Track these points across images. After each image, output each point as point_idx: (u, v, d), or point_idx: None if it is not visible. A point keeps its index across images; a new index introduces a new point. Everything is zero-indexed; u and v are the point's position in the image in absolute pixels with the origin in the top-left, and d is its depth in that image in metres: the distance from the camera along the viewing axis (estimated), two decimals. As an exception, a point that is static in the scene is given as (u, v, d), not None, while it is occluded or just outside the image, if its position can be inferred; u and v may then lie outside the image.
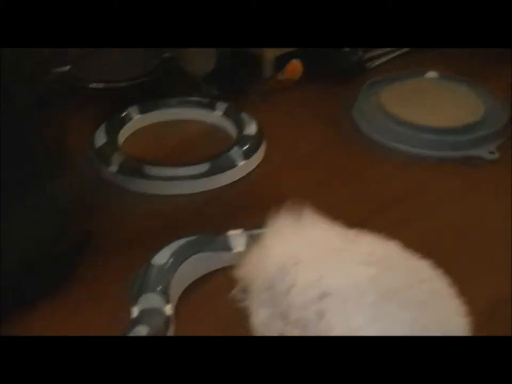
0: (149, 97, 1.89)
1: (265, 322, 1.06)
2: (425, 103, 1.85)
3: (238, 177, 1.70)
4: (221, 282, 1.41)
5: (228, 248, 1.44)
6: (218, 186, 1.67)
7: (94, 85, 1.98)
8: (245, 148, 1.73)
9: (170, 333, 1.25)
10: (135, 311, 1.29)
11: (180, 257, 1.38)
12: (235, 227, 1.47)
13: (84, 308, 1.36)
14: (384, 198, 1.59)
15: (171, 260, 1.37)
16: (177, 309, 1.31)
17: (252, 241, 1.45)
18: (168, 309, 1.29)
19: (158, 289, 1.32)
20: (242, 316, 1.28)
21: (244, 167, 1.72)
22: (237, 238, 1.46)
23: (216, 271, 1.44)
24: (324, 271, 0.99)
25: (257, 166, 1.75)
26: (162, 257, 1.37)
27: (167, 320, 1.26)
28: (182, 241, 1.41)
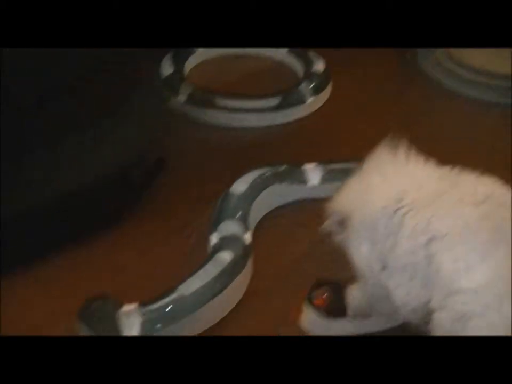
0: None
1: (366, 258, 1.03)
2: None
3: (306, 113, 1.70)
4: (296, 214, 1.43)
5: (303, 181, 1.45)
6: (288, 121, 1.67)
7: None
8: (313, 85, 1.72)
9: (250, 261, 1.25)
10: (214, 238, 1.30)
11: (258, 187, 1.39)
12: (308, 161, 1.47)
13: (161, 236, 1.37)
14: (454, 143, 1.58)
15: (250, 189, 1.37)
16: (254, 237, 1.31)
17: (327, 175, 1.45)
18: (248, 237, 1.30)
19: (237, 217, 1.33)
20: (317, 249, 1.31)
21: (312, 103, 1.71)
22: (313, 171, 1.46)
23: (290, 203, 1.45)
24: (431, 214, 0.97)
25: (325, 103, 1.74)
26: (241, 186, 1.38)
27: (247, 248, 1.27)
28: (259, 172, 1.41)
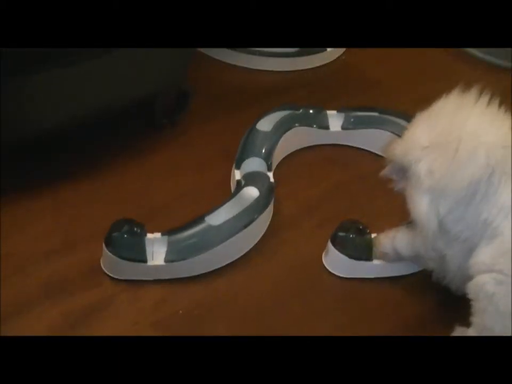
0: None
1: (426, 211, 0.99)
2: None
3: (327, 61, 1.70)
4: (317, 157, 1.43)
5: (325, 126, 1.45)
6: (308, 67, 1.67)
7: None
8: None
9: (272, 199, 1.26)
10: (238, 174, 1.30)
11: (283, 127, 1.39)
12: (328, 107, 1.47)
13: (185, 169, 1.37)
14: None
15: (274, 129, 1.37)
16: (275, 177, 1.31)
17: (348, 122, 1.46)
18: (271, 175, 1.30)
19: (262, 154, 1.33)
20: (335, 193, 1.31)
21: (333, 52, 1.71)
22: (334, 117, 1.46)
23: (311, 147, 1.45)
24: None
25: (345, 52, 1.74)
26: (266, 125, 1.37)
27: (272, 185, 1.27)
28: (284, 113, 1.41)
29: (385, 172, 1.07)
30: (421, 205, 1.00)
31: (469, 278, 0.99)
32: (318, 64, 1.67)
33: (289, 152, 1.40)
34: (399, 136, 1.35)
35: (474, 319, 0.98)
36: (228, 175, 1.31)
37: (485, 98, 1.01)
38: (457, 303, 1.04)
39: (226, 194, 1.26)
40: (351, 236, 1.19)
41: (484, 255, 0.97)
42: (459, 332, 1.03)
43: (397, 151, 1.03)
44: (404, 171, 1.02)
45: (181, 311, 1.11)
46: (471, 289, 0.97)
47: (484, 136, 0.97)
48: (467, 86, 1.02)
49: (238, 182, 1.27)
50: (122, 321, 1.09)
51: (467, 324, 1.00)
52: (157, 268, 1.13)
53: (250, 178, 1.26)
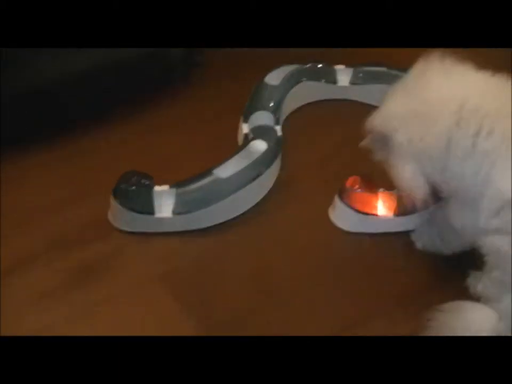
0: None
1: (412, 177, 1.01)
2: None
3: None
4: (324, 112, 1.43)
5: (333, 80, 1.44)
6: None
7: None
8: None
9: (280, 153, 1.25)
10: (246, 127, 1.29)
11: (290, 82, 1.38)
12: (337, 62, 1.46)
13: (194, 122, 1.37)
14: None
15: (283, 83, 1.37)
16: (283, 131, 1.31)
17: (356, 77, 1.45)
18: (279, 129, 1.30)
19: (270, 108, 1.32)
20: (344, 148, 1.31)
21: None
22: (343, 72, 1.45)
23: (320, 101, 1.44)
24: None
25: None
26: (274, 79, 1.37)
27: (279, 139, 1.27)
28: (292, 67, 1.40)
29: (365, 142, 1.07)
30: (405, 172, 1.02)
31: (479, 235, 0.99)
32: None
33: (297, 107, 1.40)
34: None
35: (487, 270, 1.01)
36: (236, 129, 1.30)
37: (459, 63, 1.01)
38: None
39: (234, 147, 1.26)
40: (358, 190, 1.19)
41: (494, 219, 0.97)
42: (472, 276, 1.05)
43: (377, 121, 1.03)
44: (384, 141, 1.02)
45: (189, 264, 1.11)
46: (488, 247, 0.99)
47: (451, 97, 0.98)
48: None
49: (246, 135, 1.27)
50: (130, 273, 1.10)
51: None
52: (165, 220, 1.14)
53: (258, 132, 1.26)
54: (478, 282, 1.03)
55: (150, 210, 1.13)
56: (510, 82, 1.00)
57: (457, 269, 1.07)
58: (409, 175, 1.02)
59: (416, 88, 1.01)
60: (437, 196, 1.05)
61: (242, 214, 1.19)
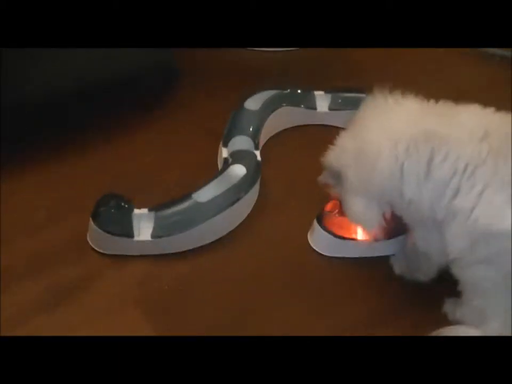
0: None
1: (363, 212, 1.04)
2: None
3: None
4: (303, 137, 1.44)
5: (312, 106, 1.45)
6: (297, 48, 1.66)
7: None
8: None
9: (259, 178, 1.26)
10: (225, 152, 1.30)
11: (271, 106, 1.39)
12: (316, 88, 1.47)
13: (173, 145, 1.37)
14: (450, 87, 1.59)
15: (262, 108, 1.38)
16: (262, 155, 1.31)
17: (335, 103, 1.46)
18: (258, 154, 1.30)
19: (250, 132, 1.33)
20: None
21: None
22: (322, 98, 1.47)
23: (299, 127, 1.45)
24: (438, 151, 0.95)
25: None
26: (254, 104, 1.38)
27: (259, 163, 1.28)
28: (272, 92, 1.41)
29: (322, 178, 1.10)
30: (355, 206, 1.04)
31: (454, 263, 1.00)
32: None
33: (276, 132, 1.41)
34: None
35: (467, 299, 1.02)
36: (215, 153, 1.31)
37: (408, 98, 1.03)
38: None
39: (213, 171, 1.26)
40: (336, 215, 1.19)
41: (459, 242, 0.97)
42: (449, 303, 1.06)
43: (330, 157, 1.06)
44: (338, 177, 1.05)
45: (166, 287, 1.11)
46: (468, 277, 1.00)
47: (388, 133, 1.00)
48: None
49: (225, 159, 1.27)
50: (107, 296, 1.10)
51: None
52: (143, 243, 1.14)
53: (237, 156, 1.27)
54: (456, 310, 1.03)
55: (129, 234, 1.13)
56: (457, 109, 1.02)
57: (434, 295, 1.07)
58: (359, 209, 1.05)
59: (360, 126, 1.05)
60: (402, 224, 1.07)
61: (221, 239, 1.19)
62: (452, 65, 1.72)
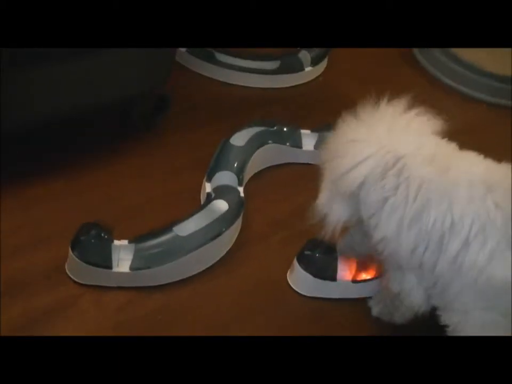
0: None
1: (326, 205, 1.03)
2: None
3: (304, 81, 1.71)
4: (288, 175, 1.44)
5: (298, 145, 1.46)
6: (286, 85, 1.68)
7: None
8: (312, 54, 1.73)
9: (242, 214, 1.26)
10: (209, 186, 1.30)
11: (256, 143, 1.39)
12: (303, 126, 1.48)
13: (156, 176, 1.37)
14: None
15: (248, 144, 1.38)
16: (246, 192, 1.31)
17: (321, 142, 1.47)
18: (242, 189, 1.31)
19: (234, 168, 1.33)
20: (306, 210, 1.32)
21: (310, 72, 1.72)
22: (308, 137, 1.47)
23: (284, 164, 1.46)
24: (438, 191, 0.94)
25: (322, 74, 1.75)
26: (240, 140, 1.38)
27: (242, 199, 1.28)
28: (258, 129, 1.42)
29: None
30: (322, 198, 1.04)
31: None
32: (296, 83, 1.68)
33: (261, 168, 1.41)
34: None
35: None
36: (199, 184, 1.31)
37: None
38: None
39: (196, 203, 1.27)
40: (317, 255, 1.19)
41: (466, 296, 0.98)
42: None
43: (322, 152, 1.06)
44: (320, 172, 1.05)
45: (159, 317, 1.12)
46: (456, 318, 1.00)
47: (382, 151, 0.98)
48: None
49: (208, 194, 1.27)
50: (83, 323, 1.09)
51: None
52: (122, 274, 1.13)
53: (221, 192, 1.27)
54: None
55: (107, 265, 1.12)
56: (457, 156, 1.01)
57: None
58: (324, 201, 1.04)
59: (344, 130, 1.03)
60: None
61: (200, 273, 1.19)
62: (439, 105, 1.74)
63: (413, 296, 1.02)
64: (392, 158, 0.97)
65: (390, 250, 0.99)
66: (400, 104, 1.03)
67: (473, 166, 0.99)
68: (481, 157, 1.01)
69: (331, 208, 1.03)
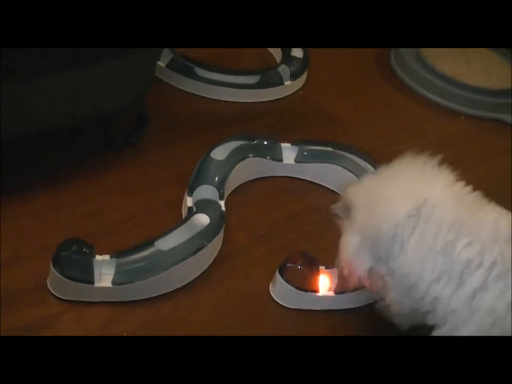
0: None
1: (354, 252, 1.05)
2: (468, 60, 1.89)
3: (284, 95, 1.72)
4: (269, 189, 1.44)
5: (279, 158, 1.46)
6: (266, 99, 1.69)
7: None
8: (292, 68, 1.74)
9: (223, 227, 1.26)
10: (190, 201, 1.30)
11: (237, 157, 1.40)
12: (283, 140, 1.49)
13: (137, 190, 1.37)
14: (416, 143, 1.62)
15: (228, 158, 1.38)
16: (227, 206, 1.32)
17: (302, 155, 1.48)
18: (223, 204, 1.31)
19: (215, 182, 1.33)
20: (287, 224, 1.33)
21: (290, 86, 1.73)
22: (288, 150, 1.48)
23: (264, 178, 1.46)
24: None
25: (302, 87, 1.77)
26: (220, 154, 1.38)
27: (223, 213, 1.28)
28: (240, 142, 1.42)
29: (335, 206, 1.11)
30: (350, 244, 1.05)
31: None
32: (275, 97, 1.69)
33: (242, 182, 1.42)
34: (351, 171, 1.40)
35: None
36: (180, 199, 1.31)
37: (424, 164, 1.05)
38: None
39: (177, 218, 1.27)
40: (298, 267, 1.20)
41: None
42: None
43: (348, 193, 1.08)
44: (347, 211, 1.07)
45: (125, 333, 1.10)
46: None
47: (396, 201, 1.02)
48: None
49: (189, 208, 1.27)
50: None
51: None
52: (104, 289, 1.13)
53: (202, 206, 1.27)
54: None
55: (89, 280, 1.12)
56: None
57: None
58: (353, 248, 1.05)
59: (384, 178, 1.07)
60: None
61: (183, 286, 1.19)
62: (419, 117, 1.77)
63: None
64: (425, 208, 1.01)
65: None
66: (427, 157, 1.07)
67: (501, 217, 1.02)
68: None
69: (358, 255, 1.05)
